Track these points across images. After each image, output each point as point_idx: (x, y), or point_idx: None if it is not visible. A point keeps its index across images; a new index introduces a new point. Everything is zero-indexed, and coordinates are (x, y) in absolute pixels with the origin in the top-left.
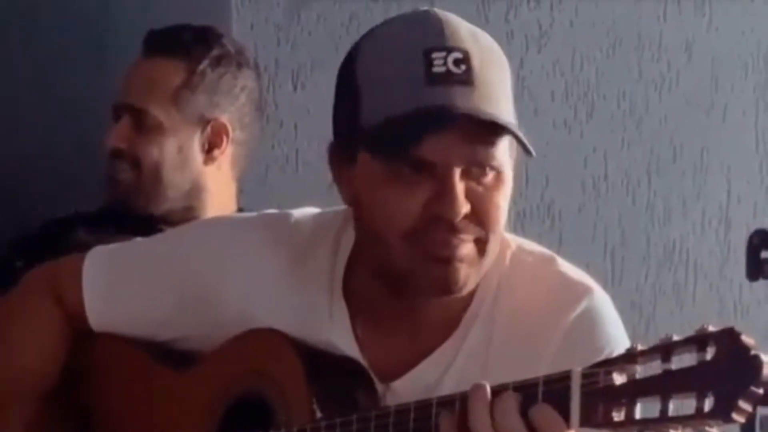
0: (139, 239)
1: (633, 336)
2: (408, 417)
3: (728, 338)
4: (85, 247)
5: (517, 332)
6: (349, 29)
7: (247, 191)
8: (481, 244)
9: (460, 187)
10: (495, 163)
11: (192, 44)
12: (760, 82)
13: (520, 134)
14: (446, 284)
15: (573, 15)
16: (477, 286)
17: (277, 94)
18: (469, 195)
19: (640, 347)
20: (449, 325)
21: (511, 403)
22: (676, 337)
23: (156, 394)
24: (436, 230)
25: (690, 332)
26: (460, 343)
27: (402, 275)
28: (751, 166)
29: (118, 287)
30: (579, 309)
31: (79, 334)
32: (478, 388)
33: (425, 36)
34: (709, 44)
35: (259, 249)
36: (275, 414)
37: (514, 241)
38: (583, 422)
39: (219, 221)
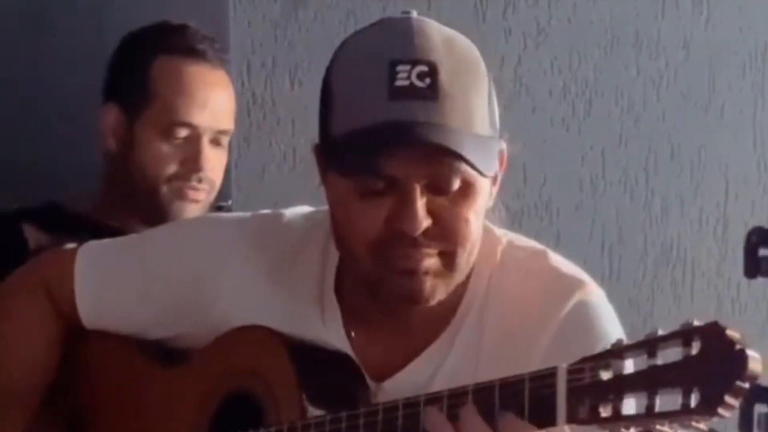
0: (132, 235)
1: (630, 334)
2: (396, 414)
3: (713, 333)
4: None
5: (510, 328)
6: (347, 27)
7: (244, 188)
8: (448, 257)
9: (420, 202)
10: (460, 177)
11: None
12: (758, 80)
13: (470, 158)
14: (411, 296)
15: (571, 12)
16: (467, 283)
17: (275, 91)
18: (433, 210)
19: (625, 342)
20: (440, 323)
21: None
22: (661, 332)
23: (148, 392)
24: (398, 244)
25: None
26: (451, 341)
27: (371, 284)
28: (748, 164)
29: (109, 284)
30: (571, 303)
31: (71, 333)
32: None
33: (393, 47)
34: (707, 42)
35: (250, 250)
36: (265, 412)
37: (506, 236)
38: (570, 419)
39: (212, 221)
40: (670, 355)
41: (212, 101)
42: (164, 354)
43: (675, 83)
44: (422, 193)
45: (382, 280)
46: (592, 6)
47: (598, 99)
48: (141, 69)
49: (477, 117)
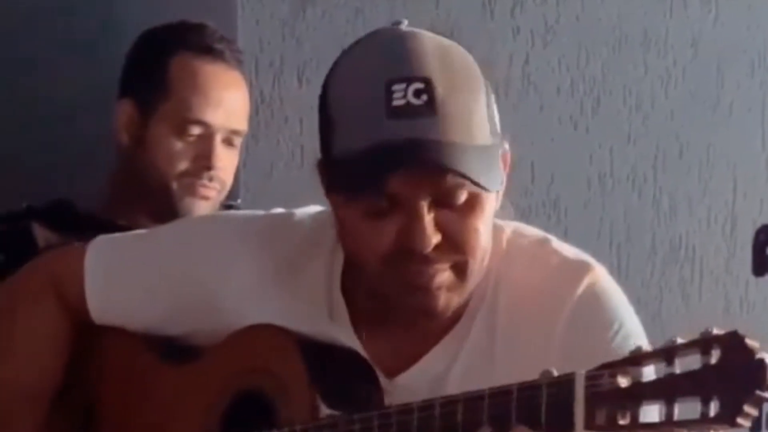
0: (143, 231)
1: None
2: (411, 417)
3: (733, 342)
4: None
5: (522, 318)
6: (355, 25)
7: (251, 187)
8: (461, 268)
9: (428, 218)
10: (466, 190)
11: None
12: (767, 79)
13: (472, 175)
14: (426, 310)
15: (579, 10)
16: None
17: (282, 89)
18: (441, 223)
19: (644, 349)
20: (451, 316)
21: None
22: (680, 340)
23: (158, 389)
24: (409, 261)
25: (696, 329)
26: (464, 333)
27: (385, 298)
28: (757, 162)
29: (119, 280)
30: (581, 287)
31: (81, 329)
32: None
33: (388, 65)
34: (716, 40)
35: (257, 249)
36: (277, 411)
37: (509, 226)
38: (587, 425)
39: (220, 220)
40: (688, 363)
41: (227, 101)
42: (174, 351)
43: (683, 81)
44: (429, 208)
45: (396, 295)
46: (600, 4)
47: (606, 97)
48: (158, 66)
49: (477, 127)
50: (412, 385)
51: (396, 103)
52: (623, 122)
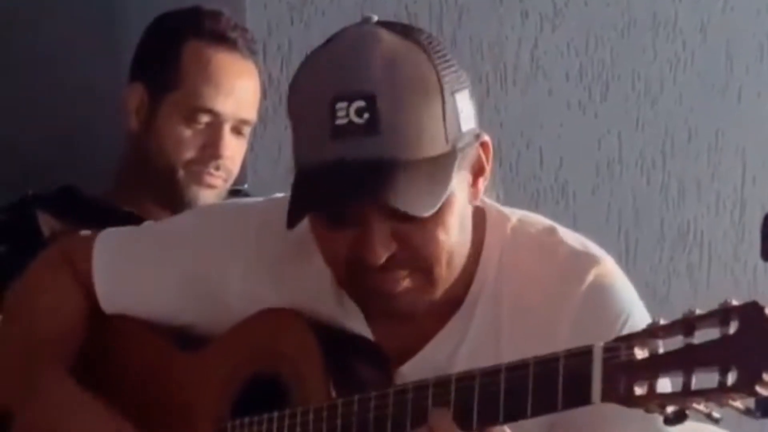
0: (149, 223)
1: None
2: (426, 393)
3: (752, 312)
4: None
5: (527, 304)
6: (363, 9)
7: (260, 171)
8: (425, 274)
9: (379, 231)
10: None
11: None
12: None
13: (404, 203)
14: (395, 313)
15: None
16: (478, 261)
17: (290, 73)
18: (398, 233)
19: (662, 322)
20: (453, 303)
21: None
22: (698, 312)
23: (170, 376)
24: (369, 271)
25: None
26: (466, 321)
27: (358, 302)
28: (766, 146)
29: (126, 272)
30: (589, 279)
31: (93, 316)
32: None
33: (333, 80)
34: (725, 24)
35: (262, 234)
36: (291, 393)
37: (515, 214)
38: (605, 397)
39: (225, 207)
40: (706, 335)
41: (238, 90)
42: (185, 340)
43: (692, 66)
44: (384, 220)
45: (364, 300)
46: None
47: (614, 82)
48: (171, 52)
49: (426, 138)
50: (417, 373)
51: (339, 122)
52: (632, 107)
